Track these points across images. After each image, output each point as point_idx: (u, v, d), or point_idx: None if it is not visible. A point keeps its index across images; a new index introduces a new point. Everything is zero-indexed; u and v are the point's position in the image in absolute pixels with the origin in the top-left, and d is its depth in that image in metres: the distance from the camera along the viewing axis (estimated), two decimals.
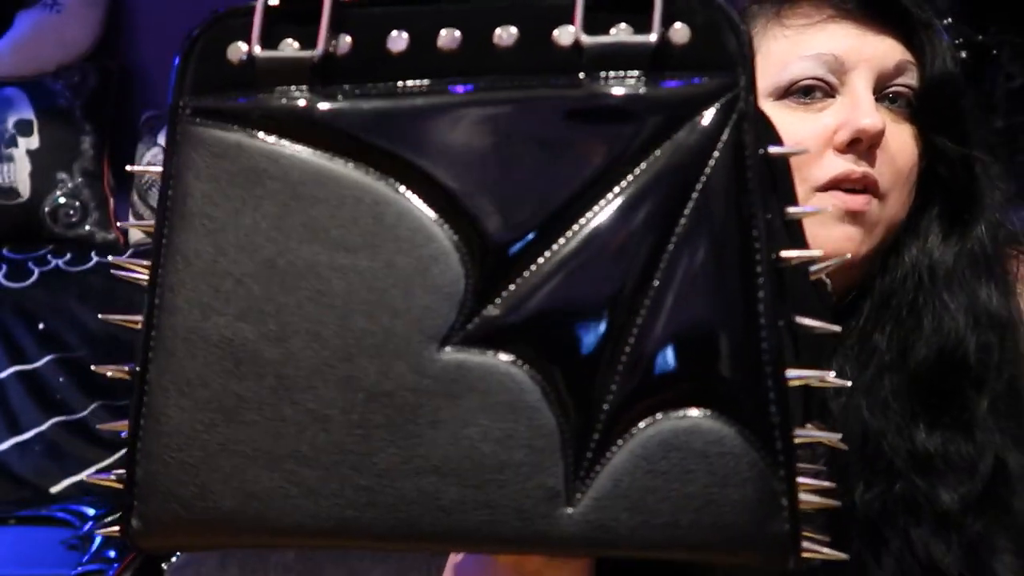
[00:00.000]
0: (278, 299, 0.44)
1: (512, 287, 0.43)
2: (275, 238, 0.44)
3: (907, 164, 0.67)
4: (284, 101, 0.45)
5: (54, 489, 1.52)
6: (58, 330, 1.54)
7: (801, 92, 0.67)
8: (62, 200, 1.51)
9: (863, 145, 0.65)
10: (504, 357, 0.42)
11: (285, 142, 0.45)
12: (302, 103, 0.45)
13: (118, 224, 0.46)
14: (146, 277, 0.46)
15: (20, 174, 1.54)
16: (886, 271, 0.69)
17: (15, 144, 1.52)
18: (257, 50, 0.45)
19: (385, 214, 0.44)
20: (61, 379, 1.54)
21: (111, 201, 1.53)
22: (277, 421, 0.43)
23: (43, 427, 1.54)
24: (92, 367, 0.47)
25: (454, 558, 0.64)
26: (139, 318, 0.46)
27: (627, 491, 0.41)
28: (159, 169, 0.47)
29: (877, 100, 0.67)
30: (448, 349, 0.43)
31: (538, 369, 0.42)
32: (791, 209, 0.46)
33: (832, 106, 0.67)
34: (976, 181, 0.69)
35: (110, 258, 0.47)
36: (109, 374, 0.47)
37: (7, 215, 1.55)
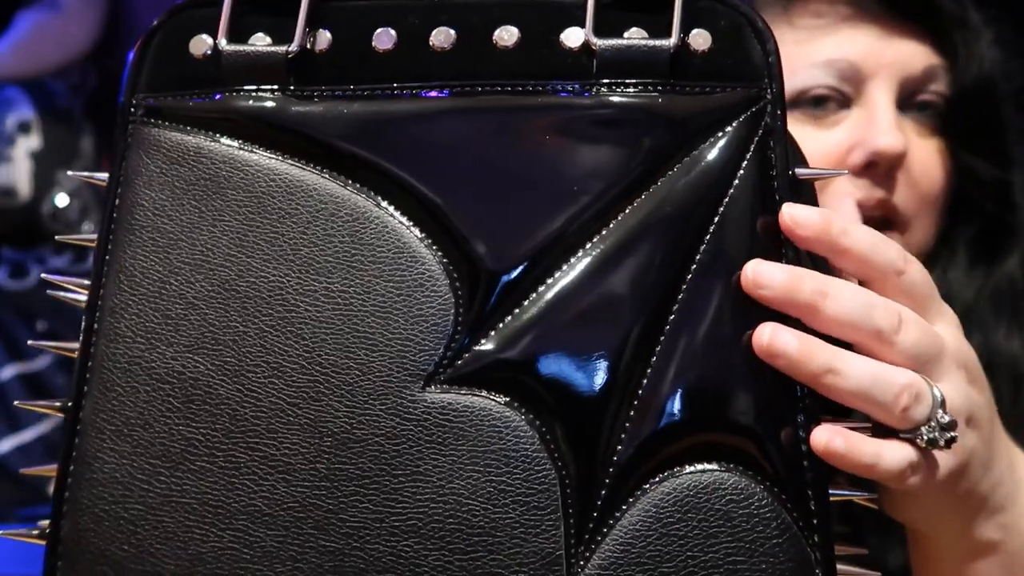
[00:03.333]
0: (236, 327, 0.36)
1: (508, 319, 0.36)
2: (236, 257, 0.37)
3: (933, 187, 0.57)
4: (252, 102, 0.38)
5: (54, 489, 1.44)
6: (58, 330, 1.48)
7: (811, 103, 0.56)
8: (62, 200, 1.47)
9: (880, 168, 0.55)
10: (498, 399, 0.35)
11: (251, 148, 0.38)
12: (272, 104, 0.38)
13: (56, 237, 0.40)
14: (85, 299, 0.38)
15: (20, 174, 1.48)
16: None
17: (15, 144, 1.47)
18: (223, 43, 0.38)
19: (364, 232, 0.36)
20: (61, 379, 1.47)
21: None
22: (230, 470, 0.35)
23: (43, 427, 1.47)
24: (16, 403, 0.39)
25: None
26: (76, 345, 0.38)
27: (638, 558, 0.34)
28: (105, 176, 0.39)
29: (902, 111, 0.57)
30: (433, 389, 0.35)
31: (537, 413, 0.35)
32: None
33: (846, 120, 0.56)
34: (1012, 207, 0.58)
35: (43, 276, 0.39)
36: (37, 408, 0.39)
37: (7, 215, 1.50)
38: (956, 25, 0.56)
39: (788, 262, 0.36)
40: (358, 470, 0.35)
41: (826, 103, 0.56)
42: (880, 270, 0.37)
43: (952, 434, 0.36)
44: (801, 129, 0.57)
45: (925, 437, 0.36)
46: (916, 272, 0.37)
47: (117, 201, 0.38)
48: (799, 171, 0.37)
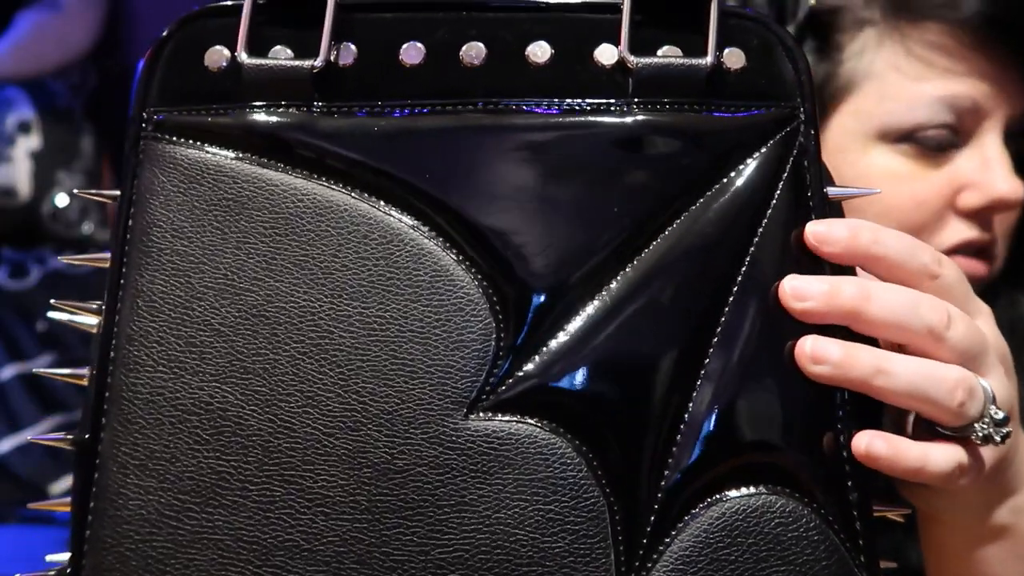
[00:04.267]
0: (267, 355, 0.35)
1: (551, 343, 0.35)
2: (263, 281, 0.35)
3: (1016, 222, 0.57)
4: (275, 118, 0.36)
5: (54, 489, 1.41)
6: (58, 330, 1.43)
7: (923, 139, 0.55)
8: (62, 200, 1.43)
9: (995, 213, 0.55)
10: (543, 425, 0.34)
11: (276, 166, 0.36)
12: (297, 121, 0.36)
13: (58, 257, 0.38)
14: (95, 322, 0.36)
15: (20, 174, 1.43)
16: None
17: (15, 144, 1.42)
18: (243, 56, 0.36)
19: (398, 254, 0.35)
20: (61, 380, 1.43)
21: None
22: (265, 504, 0.34)
23: (43, 427, 1.43)
24: (29, 438, 0.37)
25: None
26: (85, 372, 0.36)
27: None
28: (115, 193, 0.37)
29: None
30: (476, 416, 0.34)
31: (582, 439, 0.34)
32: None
33: (957, 158, 0.55)
34: None
35: (52, 302, 0.37)
36: (48, 444, 0.37)
37: (7, 215, 1.45)
38: None
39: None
40: (400, 501, 0.34)
41: (937, 140, 0.55)
42: (915, 275, 0.36)
43: (1007, 429, 0.36)
44: (910, 163, 0.56)
45: (980, 434, 0.36)
46: (950, 272, 0.37)
47: (130, 222, 0.36)
48: (830, 190, 0.37)
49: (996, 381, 0.37)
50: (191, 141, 0.36)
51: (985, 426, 0.36)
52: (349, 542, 0.34)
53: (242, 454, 0.34)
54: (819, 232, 0.36)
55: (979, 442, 0.36)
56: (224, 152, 0.36)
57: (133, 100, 0.37)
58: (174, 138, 0.37)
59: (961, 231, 0.56)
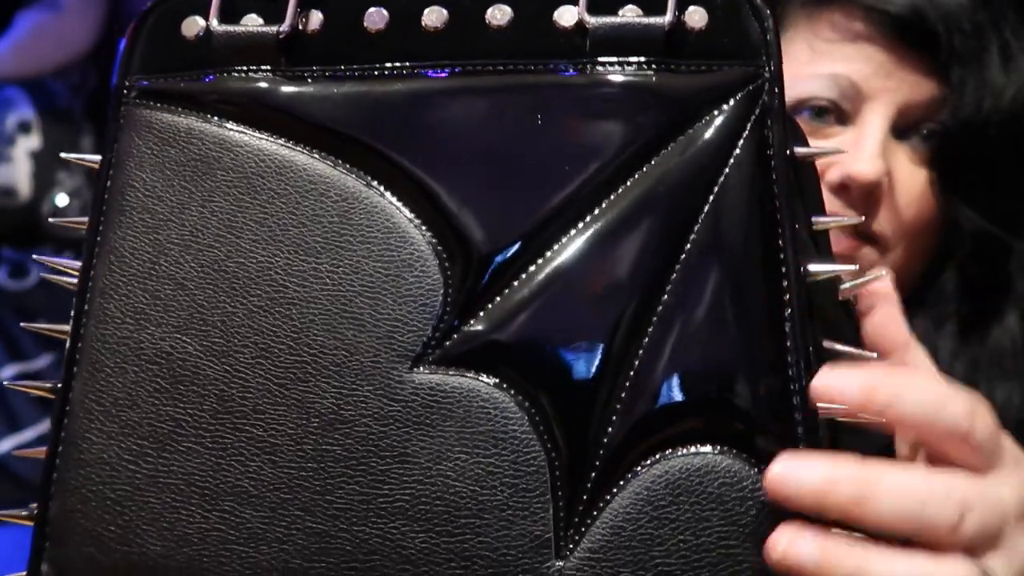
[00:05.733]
0: (225, 307, 0.36)
1: (498, 299, 0.35)
2: (225, 237, 0.37)
3: (919, 217, 0.55)
4: (243, 83, 0.38)
5: None
6: None
7: (810, 113, 0.56)
8: (62, 200, 1.48)
9: (853, 193, 0.54)
10: (487, 380, 0.34)
11: (242, 129, 0.38)
12: (264, 85, 0.38)
13: (49, 219, 0.40)
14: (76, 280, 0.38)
15: (20, 174, 1.50)
16: None
17: (15, 144, 1.48)
18: (215, 24, 0.38)
19: (353, 212, 0.36)
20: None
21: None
22: (217, 451, 0.35)
23: (43, 427, 1.48)
24: (5, 383, 0.39)
25: None
26: (68, 328, 0.38)
27: (628, 542, 0.33)
28: (98, 158, 0.39)
29: (902, 137, 0.55)
30: (421, 369, 0.35)
31: (526, 394, 0.34)
32: (819, 219, 0.38)
33: (839, 136, 0.56)
34: (1003, 263, 0.55)
35: (34, 256, 0.39)
36: (30, 392, 0.39)
37: (7, 215, 1.51)
38: (959, 61, 0.54)
39: (786, 244, 0.35)
40: (345, 451, 0.34)
41: (825, 115, 0.56)
42: (942, 439, 0.32)
43: None
44: None
45: None
46: (982, 427, 0.32)
47: (109, 183, 0.38)
48: (798, 150, 0.37)
49: (1008, 549, 0.32)
50: (166, 105, 0.38)
51: None
52: (295, 489, 0.34)
53: (198, 403, 0.35)
54: (826, 387, 0.31)
55: None
56: (195, 115, 0.38)
57: (116, 71, 0.39)
58: (151, 103, 0.39)
59: (832, 208, 0.52)
